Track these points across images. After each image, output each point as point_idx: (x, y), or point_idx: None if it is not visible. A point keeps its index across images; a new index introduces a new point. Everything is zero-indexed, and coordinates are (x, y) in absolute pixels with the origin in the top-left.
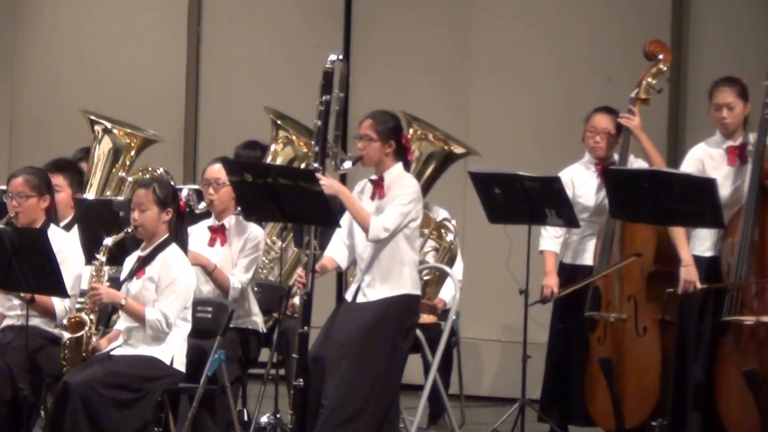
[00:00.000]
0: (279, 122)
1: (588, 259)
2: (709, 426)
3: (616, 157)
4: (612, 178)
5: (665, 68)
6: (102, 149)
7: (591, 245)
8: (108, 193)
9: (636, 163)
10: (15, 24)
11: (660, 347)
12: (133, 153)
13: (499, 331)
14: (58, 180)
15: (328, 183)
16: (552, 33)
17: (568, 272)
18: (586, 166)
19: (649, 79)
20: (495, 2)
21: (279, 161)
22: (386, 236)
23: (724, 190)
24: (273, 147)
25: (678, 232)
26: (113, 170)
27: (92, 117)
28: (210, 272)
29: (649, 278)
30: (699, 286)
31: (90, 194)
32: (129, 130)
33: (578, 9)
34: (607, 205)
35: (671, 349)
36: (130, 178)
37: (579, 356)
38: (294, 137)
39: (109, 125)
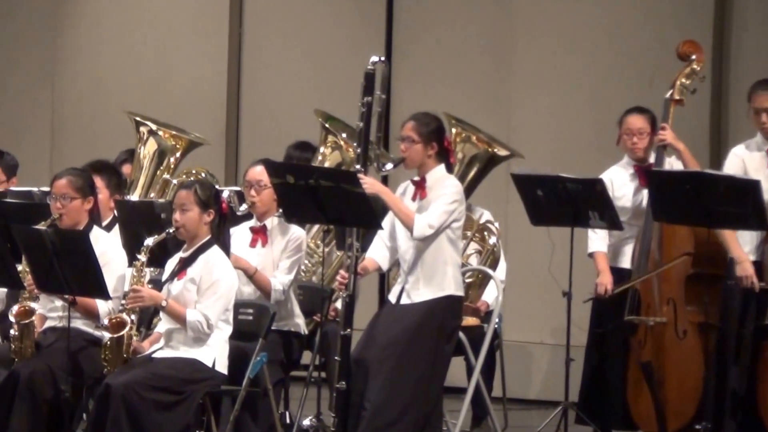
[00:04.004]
0: (327, 125)
1: (626, 262)
2: (752, 431)
3: (653, 157)
4: (654, 180)
5: (699, 68)
6: (147, 151)
7: (629, 248)
8: (152, 194)
9: (677, 164)
10: (57, 26)
11: (701, 350)
12: (178, 155)
13: (542, 334)
14: (96, 181)
15: (370, 182)
16: (593, 35)
17: None
18: (624, 168)
19: (683, 80)
20: (536, 4)
21: (327, 165)
22: (431, 234)
23: (766, 194)
24: (322, 150)
25: (726, 232)
26: (158, 172)
27: (138, 118)
28: (251, 275)
29: (688, 281)
30: (756, 281)
31: (134, 196)
32: (174, 133)
33: (619, 11)
34: (645, 207)
35: (713, 352)
36: (174, 181)
37: (617, 360)
38: (342, 142)
39: (154, 127)
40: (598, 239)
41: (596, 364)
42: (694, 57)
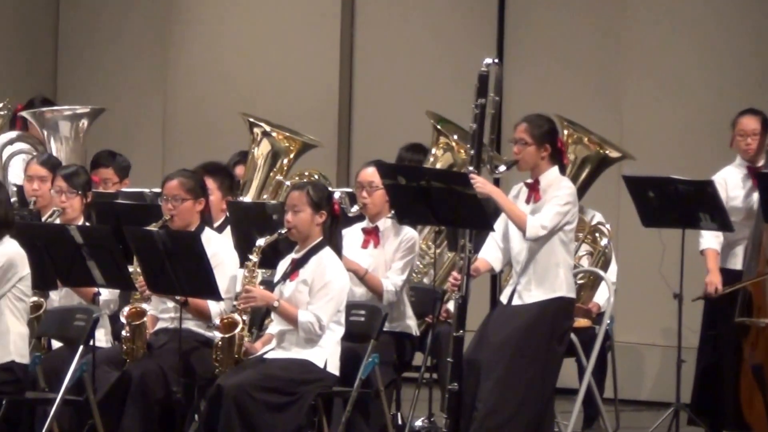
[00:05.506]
0: (440, 127)
1: (738, 263)
2: None
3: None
4: (765, 181)
5: None
6: (260, 152)
7: (741, 249)
8: (265, 196)
9: None
10: (169, 28)
11: None
12: (291, 157)
13: (654, 335)
14: (208, 183)
15: (481, 183)
16: (705, 35)
17: None
18: (738, 169)
19: None
20: (648, 4)
21: (438, 167)
22: (544, 235)
23: None
24: (434, 151)
25: None
26: (271, 174)
27: (251, 120)
28: (361, 277)
29: None
30: None
31: (248, 197)
32: (288, 134)
33: (731, 11)
34: (757, 208)
35: None
36: (287, 182)
37: (730, 362)
38: (454, 144)
39: (268, 128)
40: (710, 236)
41: (708, 365)
42: None
